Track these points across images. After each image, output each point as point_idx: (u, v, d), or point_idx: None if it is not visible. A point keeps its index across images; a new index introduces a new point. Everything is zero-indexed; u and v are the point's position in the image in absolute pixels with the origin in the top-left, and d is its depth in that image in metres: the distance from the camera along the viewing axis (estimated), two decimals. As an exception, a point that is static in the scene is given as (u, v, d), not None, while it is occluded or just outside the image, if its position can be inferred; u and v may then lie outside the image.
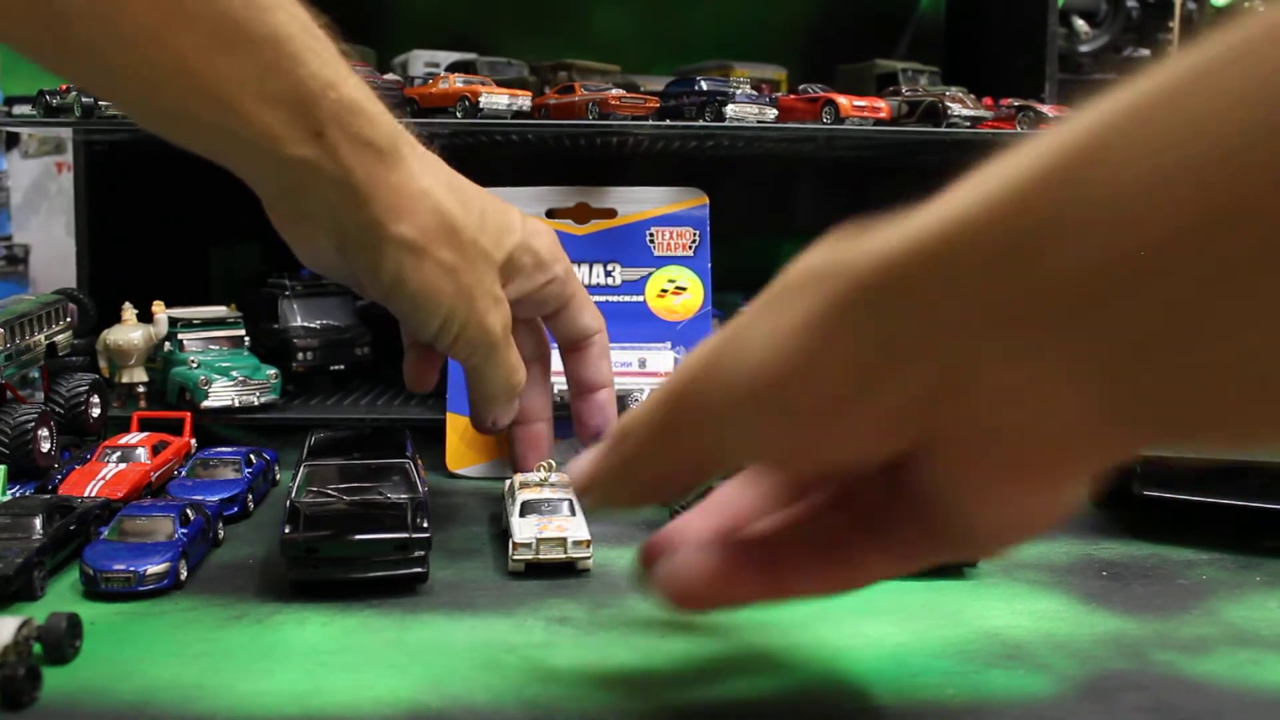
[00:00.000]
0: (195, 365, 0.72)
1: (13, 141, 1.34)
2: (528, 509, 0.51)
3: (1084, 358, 0.22)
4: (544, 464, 0.55)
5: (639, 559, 0.35)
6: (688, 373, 0.29)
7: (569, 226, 0.73)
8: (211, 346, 0.74)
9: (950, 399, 0.24)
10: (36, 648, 0.37)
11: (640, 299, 0.73)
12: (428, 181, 0.48)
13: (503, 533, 0.52)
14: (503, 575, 0.49)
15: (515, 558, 0.48)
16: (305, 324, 0.83)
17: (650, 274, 0.73)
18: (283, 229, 0.48)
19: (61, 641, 0.38)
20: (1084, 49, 1.09)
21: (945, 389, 0.24)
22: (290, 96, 0.42)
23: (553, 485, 0.52)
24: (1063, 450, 0.25)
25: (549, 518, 0.50)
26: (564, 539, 0.48)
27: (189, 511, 0.50)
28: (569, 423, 0.61)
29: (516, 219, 0.53)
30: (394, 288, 0.48)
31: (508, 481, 0.54)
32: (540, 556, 0.48)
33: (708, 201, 0.74)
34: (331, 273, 0.51)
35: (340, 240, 0.47)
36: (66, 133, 0.86)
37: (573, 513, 0.51)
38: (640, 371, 0.69)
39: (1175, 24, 1.09)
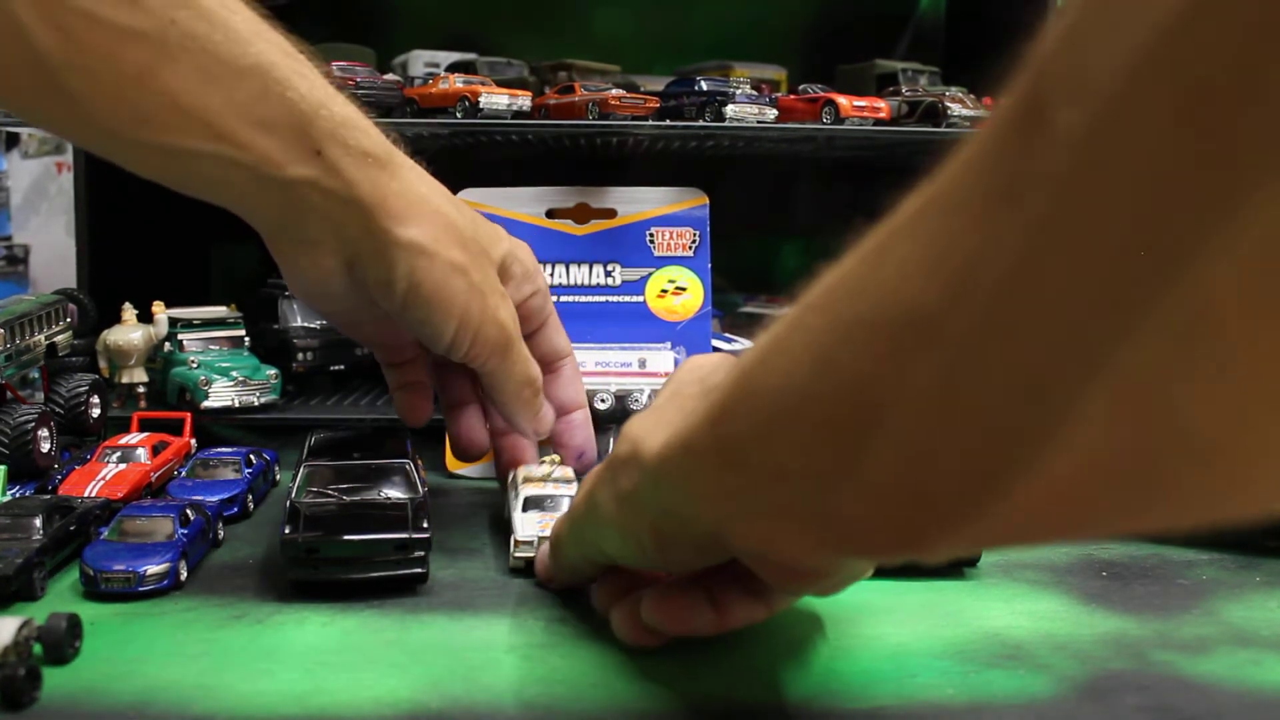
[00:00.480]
0: (195, 365, 0.72)
1: (13, 141, 1.35)
2: (530, 505, 0.50)
3: (791, 513, 0.29)
4: (549, 459, 0.55)
5: (601, 599, 0.43)
6: (577, 509, 0.42)
7: (569, 226, 0.73)
8: (211, 347, 0.74)
9: (724, 540, 0.33)
10: (36, 648, 0.37)
11: (640, 299, 0.73)
12: (424, 187, 0.49)
13: (505, 525, 0.52)
14: (503, 574, 0.49)
15: (517, 555, 0.48)
16: (305, 324, 0.83)
17: (650, 274, 0.73)
18: (286, 262, 0.48)
19: (61, 641, 0.38)
20: (1084, 49, 1.09)
21: (719, 534, 0.33)
22: (284, 119, 0.43)
23: (555, 481, 0.52)
24: (810, 564, 0.33)
25: (551, 514, 0.49)
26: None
27: (189, 512, 0.50)
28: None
29: (502, 231, 0.55)
30: (409, 293, 0.48)
31: (511, 474, 0.54)
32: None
33: (708, 201, 0.74)
34: (334, 304, 0.51)
35: (350, 256, 0.47)
36: (66, 133, 0.86)
37: None
38: (640, 372, 0.69)
39: (1175, 24, 1.09)
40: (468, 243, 0.50)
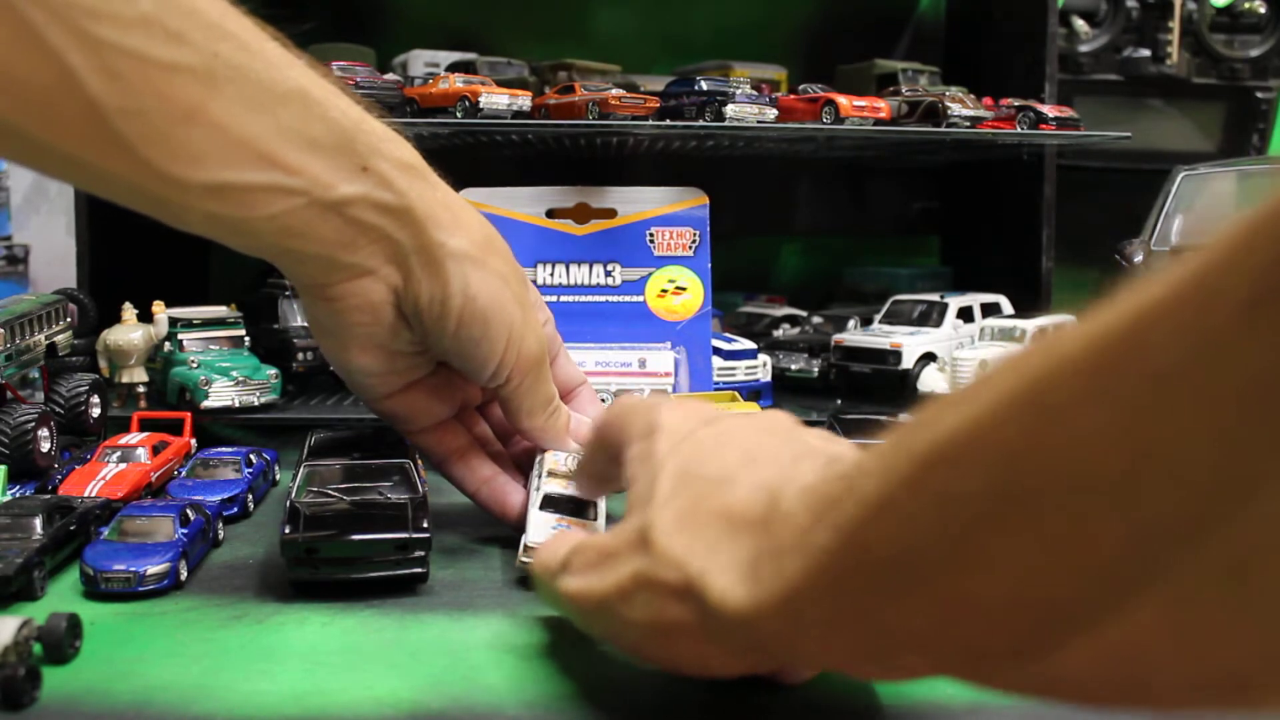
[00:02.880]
0: (195, 365, 0.72)
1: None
2: (548, 504, 0.48)
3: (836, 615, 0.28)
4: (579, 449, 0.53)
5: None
6: (581, 574, 0.37)
7: (569, 226, 0.73)
8: (211, 346, 0.75)
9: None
10: (36, 648, 0.37)
11: (640, 299, 0.73)
12: (457, 198, 0.49)
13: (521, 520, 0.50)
14: (503, 575, 0.49)
15: (523, 559, 0.46)
16: (305, 324, 0.83)
17: (650, 274, 0.73)
18: (334, 313, 0.47)
19: (61, 641, 0.38)
20: (1084, 49, 1.09)
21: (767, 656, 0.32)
22: (329, 139, 0.43)
23: None
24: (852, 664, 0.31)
25: (569, 518, 0.47)
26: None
27: (189, 511, 0.50)
28: None
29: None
30: (466, 307, 0.47)
31: (539, 456, 0.52)
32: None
33: (708, 201, 0.74)
34: (373, 360, 0.49)
35: (401, 280, 0.47)
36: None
37: (594, 516, 0.48)
38: (640, 371, 0.69)
39: (1175, 24, 1.09)
40: (504, 254, 0.49)
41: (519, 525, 0.51)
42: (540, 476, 0.50)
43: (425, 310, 0.47)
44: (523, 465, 0.55)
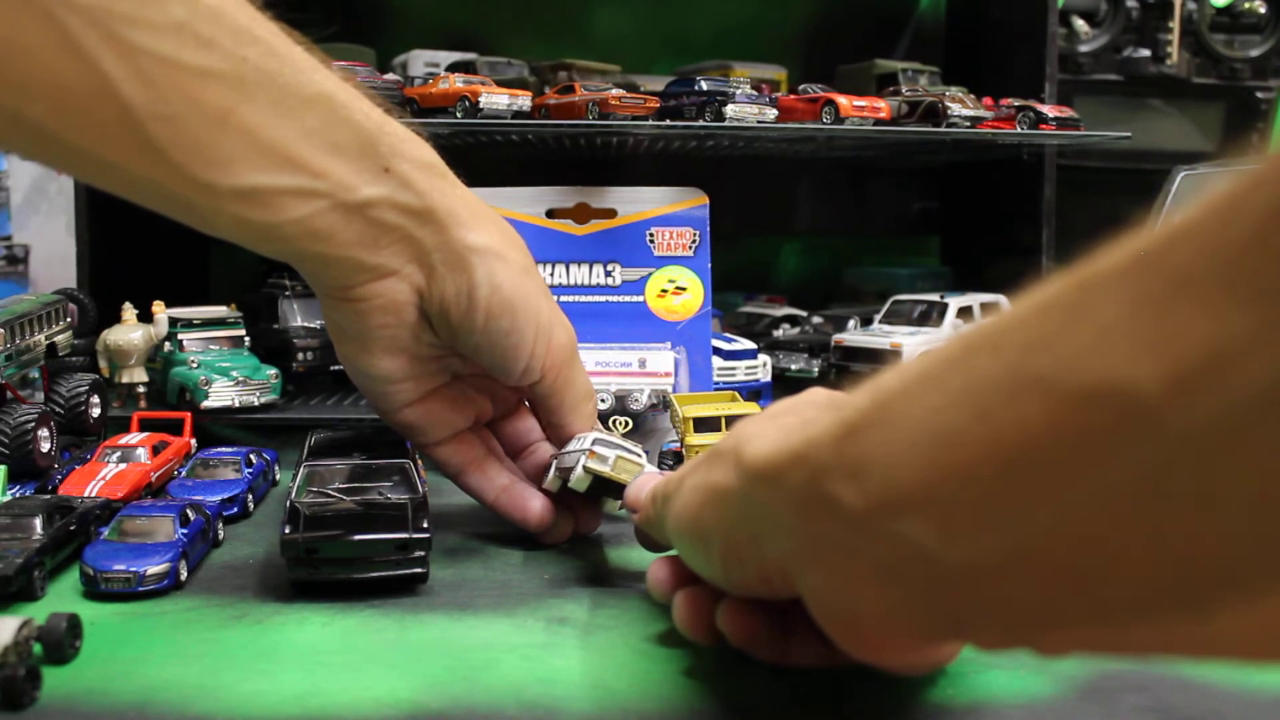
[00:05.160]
0: (195, 365, 0.72)
1: (13, 141, 1.34)
2: (601, 443, 0.49)
3: (877, 568, 0.27)
4: (622, 420, 0.54)
5: (657, 581, 0.41)
6: (669, 484, 0.39)
7: (569, 226, 0.73)
8: (211, 346, 0.75)
9: (792, 580, 0.31)
10: (36, 648, 0.37)
11: (640, 299, 0.73)
12: (474, 195, 0.49)
13: (562, 486, 0.51)
14: (503, 575, 0.49)
15: (589, 465, 0.48)
16: (305, 324, 0.83)
17: (650, 274, 0.73)
18: (359, 316, 0.48)
19: (61, 641, 0.38)
20: (1084, 49, 1.09)
21: (789, 570, 0.31)
22: (353, 142, 0.44)
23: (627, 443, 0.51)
24: (888, 632, 0.30)
25: (630, 453, 0.49)
26: (641, 465, 0.48)
27: (189, 511, 0.50)
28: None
29: None
30: (492, 298, 0.48)
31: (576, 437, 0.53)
32: (614, 474, 0.48)
33: (708, 201, 0.74)
34: (395, 365, 0.49)
35: (424, 279, 0.47)
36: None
37: (642, 461, 0.49)
38: (640, 371, 0.69)
39: (1175, 24, 1.09)
40: (523, 250, 0.50)
41: (540, 529, 0.53)
42: (580, 438, 0.51)
43: (452, 307, 0.48)
44: (535, 479, 0.55)
